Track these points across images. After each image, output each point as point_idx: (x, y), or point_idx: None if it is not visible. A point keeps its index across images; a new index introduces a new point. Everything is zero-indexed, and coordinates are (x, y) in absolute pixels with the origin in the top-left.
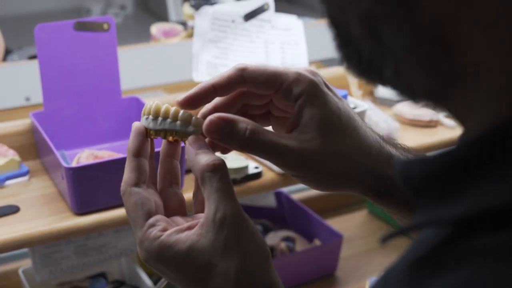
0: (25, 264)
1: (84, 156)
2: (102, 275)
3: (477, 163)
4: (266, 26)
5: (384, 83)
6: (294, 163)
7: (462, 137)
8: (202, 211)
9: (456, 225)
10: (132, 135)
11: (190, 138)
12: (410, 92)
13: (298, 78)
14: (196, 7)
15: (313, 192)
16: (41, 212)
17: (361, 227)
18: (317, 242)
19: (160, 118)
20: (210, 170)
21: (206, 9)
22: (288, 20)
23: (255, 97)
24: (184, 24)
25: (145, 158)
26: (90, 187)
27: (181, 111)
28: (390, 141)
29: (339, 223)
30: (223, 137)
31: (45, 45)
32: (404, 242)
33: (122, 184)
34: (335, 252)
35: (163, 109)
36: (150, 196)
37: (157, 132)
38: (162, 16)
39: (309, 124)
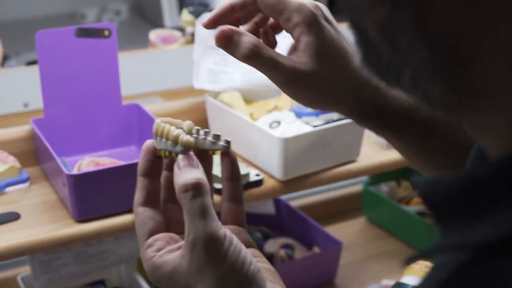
0: (24, 271)
1: (85, 163)
2: (102, 282)
3: (502, 185)
4: None
5: (402, 89)
6: (286, 80)
7: (478, 152)
8: None
9: (480, 249)
10: (141, 154)
11: (178, 157)
12: (427, 100)
13: (299, 8)
14: (195, 13)
15: (311, 199)
16: (42, 219)
17: (359, 234)
18: (316, 249)
19: (158, 137)
20: (182, 190)
21: (207, 16)
22: None
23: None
24: (182, 30)
25: (154, 177)
26: (92, 194)
27: (172, 130)
28: None
29: (338, 230)
30: (230, 45)
31: (46, 52)
32: (402, 250)
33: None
34: (334, 259)
35: (159, 128)
36: (153, 216)
37: (159, 151)
38: (157, 22)
39: (304, 50)
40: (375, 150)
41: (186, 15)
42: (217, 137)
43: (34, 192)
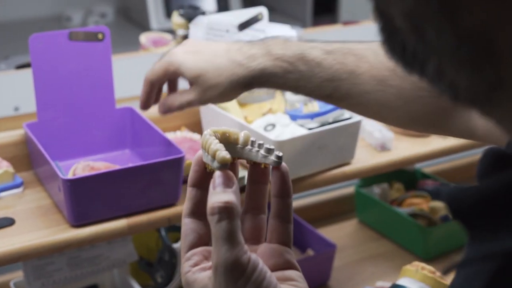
0: (17, 276)
1: (80, 168)
2: (95, 287)
3: None
4: (260, 36)
5: (426, 78)
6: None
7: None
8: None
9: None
10: (191, 166)
11: (214, 174)
12: (452, 92)
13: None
14: (185, 16)
15: (304, 202)
16: (37, 224)
17: (351, 236)
18: (310, 252)
19: (203, 150)
20: (209, 213)
21: (201, 19)
22: (281, 30)
23: None
24: (173, 33)
25: (202, 188)
26: (88, 199)
27: (213, 144)
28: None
29: (330, 233)
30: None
31: (39, 55)
32: (395, 252)
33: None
34: (328, 262)
35: (204, 140)
36: (196, 228)
37: (205, 165)
38: (143, 24)
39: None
40: (369, 153)
41: (176, 18)
42: (269, 150)
43: (28, 197)
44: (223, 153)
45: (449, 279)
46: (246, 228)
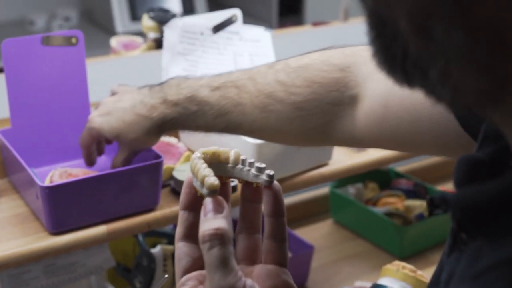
0: None
1: (57, 174)
2: None
3: None
4: (234, 38)
5: (426, 87)
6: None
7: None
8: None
9: None
10: (182, 188)
11: (204, 200)
12: (453, 96)
13: None
14: (156, 19)
15: None
16: (15, 233)
17: (327, 237)
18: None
19: (193, 175)
20: (201, 241)
21: (175, 22)
22: (256, 32)
23: None
24: (141, 35)
25: (195, 211)
26: (66, 206)
27: (201, 170)
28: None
29: (305, 233)
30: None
31: (12, 60)
32: (371, 251)
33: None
34: (306, 263)
35: (192, 165)
36: (190, 252)
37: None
38: (108, 28)
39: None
40: (346, 153)
41: (147, 21)
42: (260, 169)
43: (4, 205)
44: (211, 180)
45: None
46: (241, 248)
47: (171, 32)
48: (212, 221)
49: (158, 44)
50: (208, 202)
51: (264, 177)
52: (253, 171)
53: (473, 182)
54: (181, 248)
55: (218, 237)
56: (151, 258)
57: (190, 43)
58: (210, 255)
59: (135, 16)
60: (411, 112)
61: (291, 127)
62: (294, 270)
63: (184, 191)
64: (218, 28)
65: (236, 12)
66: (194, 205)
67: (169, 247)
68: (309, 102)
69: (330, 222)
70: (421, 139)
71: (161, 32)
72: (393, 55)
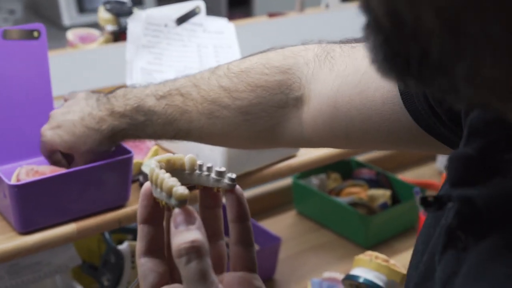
0: None
1: (24, 172)
2: None
3: None
4: (198, 30)
5: (446, 85)
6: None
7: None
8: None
9: None
10: (139, 200)
11: (173, 212)
12: (476, 93)
13: None
14: (112, 11)
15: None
16: None
17: (291, 228)
18: (255, 246)
19: (153, 185)
20: (176, 256)
21: (139, 14)
22: (219, 24)
23: None
24: (98, 27)
25: (155, 224)
26: (35, 205)
27: (165, 181)
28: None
29: (269, 225)
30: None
31: None
32: (336, 241)
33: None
34: (273, 255)
35: (153, 175)
36: (155, 267)
37: (156, 198)
38: (54, 21)
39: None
40: None
41: (103, 13)
42: (220, 174)
43: None
44: (180, 190)
45: (403, 267)
46: None
47: (135, 24)
48: (185, 234)
49: (115, 36)
50: (178, 214)
51: (226, 181)
52: (213, 175)
53: (469, 181)
54: (144, 264)
55: (195, 250)
56: (119, 255)
57: (154, 36)
58: (188, 269)
59: (82, 9)
60: (362, 111)
61: (239, 132)
62: (262, 263)
63: (142, 203)
64: (181, 20)
65: (199, 3)
66: (154, 218)
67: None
68: (254, 106)
69: (293, 213)
70: (372, 136)
71: (119, 25)
72: (405, 59)
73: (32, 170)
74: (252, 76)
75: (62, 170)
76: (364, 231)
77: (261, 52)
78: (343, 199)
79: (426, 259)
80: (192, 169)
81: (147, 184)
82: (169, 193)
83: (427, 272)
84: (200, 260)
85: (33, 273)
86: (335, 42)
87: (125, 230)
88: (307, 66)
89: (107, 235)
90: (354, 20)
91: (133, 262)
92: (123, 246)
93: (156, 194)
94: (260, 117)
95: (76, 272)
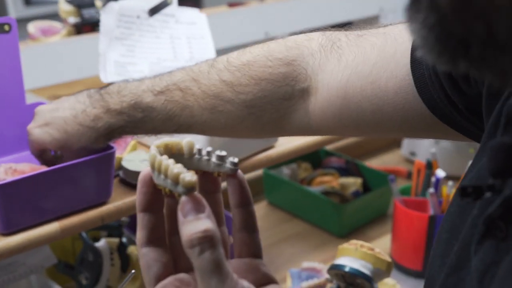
0: None
1: (2, 171)
2: None
3: None
4: (170, 21)
5: (506, 68)
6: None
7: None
8: None
9: None
10: (137, 187)
11: (181, 200)
12: None
13: None
14: (74, 3)
15: None
16: None
17: (263, 219)
18: (231, 239)
19: (156, 172)
20: (188, 246)
21: (111, 5)
22: (191, 14)
23: None
24: (58, 18)
25: (156, 212)
26: (18, 204)
27: (171, 168)
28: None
29: None
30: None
31: None
32: (310, 231)
33: (136, 242)
34: None
35: (156, 162)
36: (159, 257)
37: (158, 185)
38: (0, 13)
39: None
40: None
41: (63, 5)
42: (221, 158)
43: None
44: (188, 177)
45: (387, 255)
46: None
47: (107, 16)
48: (196, 223)
49: (78, 29)
50: (186, 202)
51: (228, 165)
52: (214, 160)
53: (510, 171)
54: (147, 254)
55: (208, 240)
56: (97, 252)
57: (126, 27)
58: (201, 260)
59: (28, 1)
60: (373, 101)
61: (244, 125)
62: None
63: (140, 190)
64: (154, 11)
65: None
66: (154, 205)
67: (113, 239)
68: (260, 99)
69: (264, 204)
70: (384, 125)
71: (81, 16)
72: (463, 39)
73: (10, 168)
74: (255, 69)
75: (42, 168)
76: (338, 219)
77: (261, 43)
78: (315, 188)
79: (458, 249)
80: (191, 154)
81: (146, 170)
82: (175, 180)
83: (459, 262)
84: (213, 250)
85: (7, 273)
86: (339, 30)
87: (99, 227)
88: (313, 56)
89: (83, 233)
90: (316, 8)
91: (112, 259)
92: (101, 244)
93: (159, 181)
94: (266, 110)
95: (51, 272)
